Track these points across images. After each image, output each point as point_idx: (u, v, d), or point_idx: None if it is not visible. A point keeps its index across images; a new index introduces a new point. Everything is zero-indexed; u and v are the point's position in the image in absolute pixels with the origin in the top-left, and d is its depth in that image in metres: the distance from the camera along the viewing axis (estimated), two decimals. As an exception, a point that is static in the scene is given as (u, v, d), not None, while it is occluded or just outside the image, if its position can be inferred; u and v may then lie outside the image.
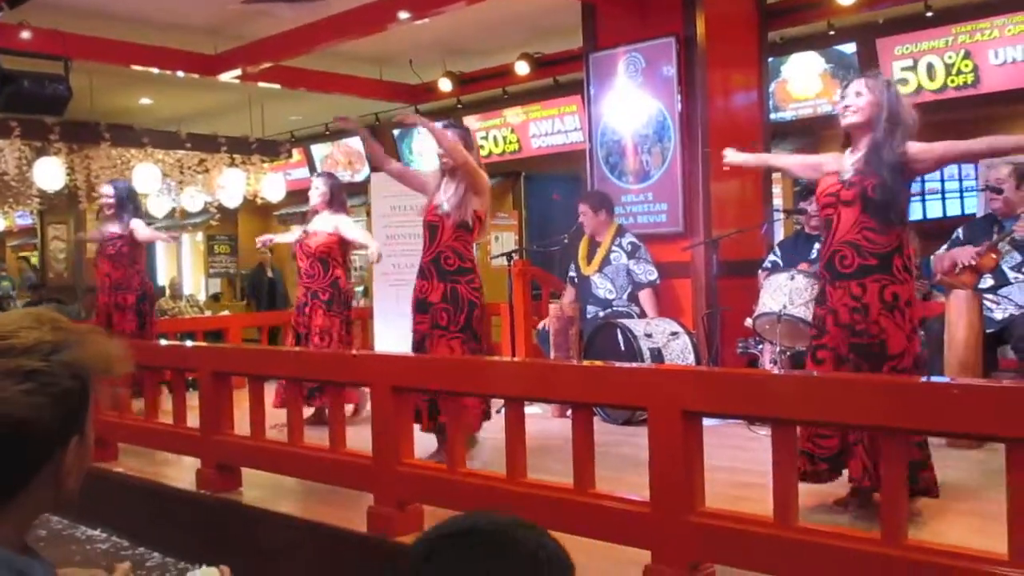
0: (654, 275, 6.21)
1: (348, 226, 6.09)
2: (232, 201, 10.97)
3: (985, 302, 4.87)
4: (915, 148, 3.51)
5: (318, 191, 6.07)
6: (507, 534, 1.03)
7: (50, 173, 9.27)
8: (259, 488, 4.50)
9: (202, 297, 13.62)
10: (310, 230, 6.06)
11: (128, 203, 6.73)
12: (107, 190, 6.79)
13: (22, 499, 1.16)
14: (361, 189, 12.10)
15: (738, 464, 4.34)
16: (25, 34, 7.50)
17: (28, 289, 13.77)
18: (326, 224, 6.02)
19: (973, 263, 4.74)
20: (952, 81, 7.98)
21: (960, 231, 5.18)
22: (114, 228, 6.66)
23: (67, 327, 1.21)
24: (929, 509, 3.52)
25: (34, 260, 15.78)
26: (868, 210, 3.48)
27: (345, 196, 6.25)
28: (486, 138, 11.41)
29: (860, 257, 3.48)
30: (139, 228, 6.67)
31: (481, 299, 4.66)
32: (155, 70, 8.84)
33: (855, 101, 3.56)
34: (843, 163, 3.64)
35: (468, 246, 4.61)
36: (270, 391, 4.91)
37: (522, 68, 9.24)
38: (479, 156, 4.88)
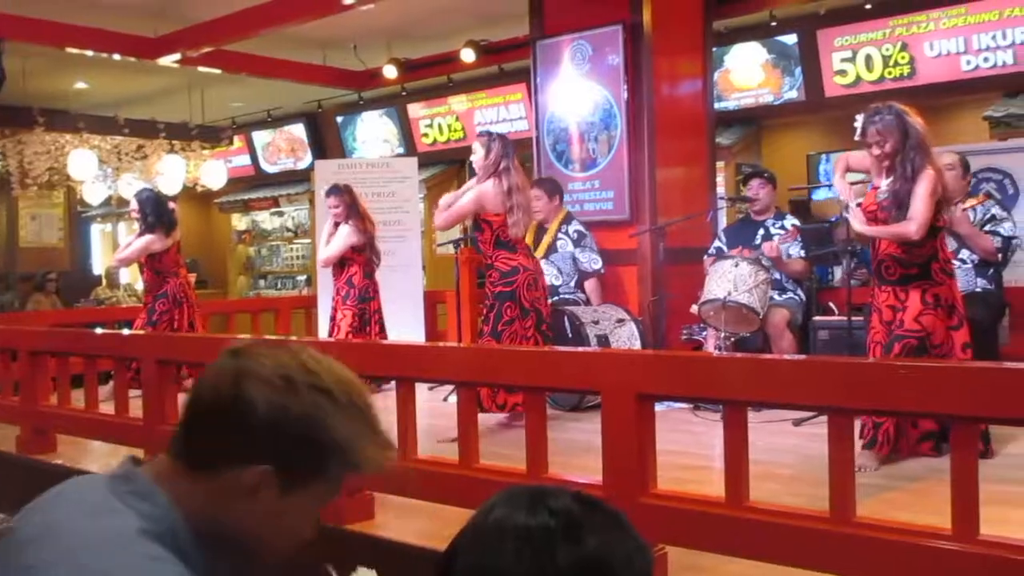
0: (599, 264, 6.25)
1: (344, 237, 6.49)
2: (171, 188, 10.74)
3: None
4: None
5: (335, 208, 6.50)
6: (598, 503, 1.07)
7: (-19, 158, 9.00)
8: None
9: (139, 286, 13.29)
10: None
11: (150, 213, 6.58)
12: (133, 204, 6.72)
13: (213, 481, 1.20)
14: (304, 176, 11.96)
15: (684, 448, 4.40)
16: (-45, 14, 7.28)
17: None
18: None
19: None
20: (889, 72, 8.16)
21: None
22: (164, 240, 6.57)
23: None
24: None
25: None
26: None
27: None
28: (431, 126, 11.36)
29: (902, 268, 4.01)
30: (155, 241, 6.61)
31: (495, 290, 5.13)
32: (91, 53, 8.62)
33: (881, 148, 3.96)
34: (880, 182, 4.09)
35: (487, 244, 5.17)
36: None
37: (468, 55, 9.20)
38: (498, 154, 5.06)
